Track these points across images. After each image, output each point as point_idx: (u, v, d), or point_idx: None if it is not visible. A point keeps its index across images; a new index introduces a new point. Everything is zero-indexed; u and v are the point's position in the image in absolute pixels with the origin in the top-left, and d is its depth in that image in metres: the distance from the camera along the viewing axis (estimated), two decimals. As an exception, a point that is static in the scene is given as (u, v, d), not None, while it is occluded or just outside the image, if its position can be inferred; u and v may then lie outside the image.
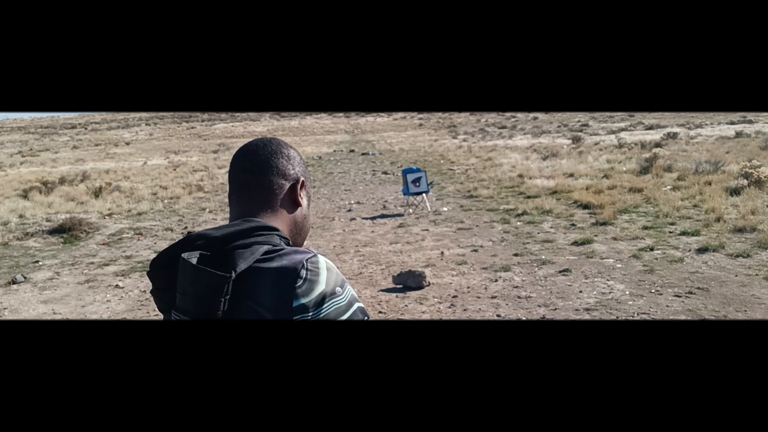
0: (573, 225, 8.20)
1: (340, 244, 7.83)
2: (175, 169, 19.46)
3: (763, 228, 7.05)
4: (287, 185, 1.09)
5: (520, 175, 13.44)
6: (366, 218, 9.77)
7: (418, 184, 10.09)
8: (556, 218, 8.73)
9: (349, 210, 10.67)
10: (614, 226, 7.90)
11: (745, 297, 4.96)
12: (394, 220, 9.43)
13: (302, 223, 1.12)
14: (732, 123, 28.55)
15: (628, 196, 10.01)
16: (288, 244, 1.03)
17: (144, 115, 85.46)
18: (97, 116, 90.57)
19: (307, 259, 0.95)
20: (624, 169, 13.64)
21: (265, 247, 0.96)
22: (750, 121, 28.56)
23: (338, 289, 0.95)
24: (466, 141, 27.15)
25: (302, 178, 1.11)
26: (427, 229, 8.54)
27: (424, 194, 10.26)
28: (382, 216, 9.91)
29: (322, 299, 0.93)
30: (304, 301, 0.92)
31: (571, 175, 13.08)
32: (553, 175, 12.97)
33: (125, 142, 41.45)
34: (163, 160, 24.49)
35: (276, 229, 1.02)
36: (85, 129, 62.39)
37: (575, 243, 7.15)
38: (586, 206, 9.43)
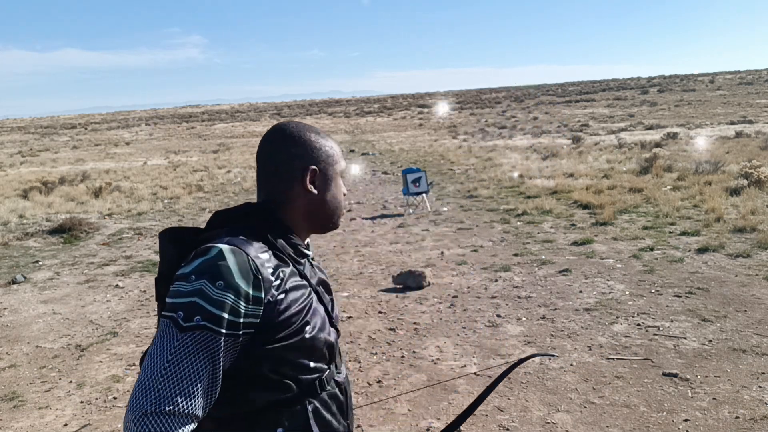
0: (573, 225, 8.20)
1: (340, 244, 7.82)
2: (175, 169, 19.41)
3: (763, 228, 7.05)
4: (298, 174, 1.15)
5: (520, 175, 13.42)
6: (366, 218, 9.77)
7: (418, 184, 10.09)
8: (556, 218, 8.72)
9: (349, 210, 10.66)
10: (614, 226, 7.90)
11: (745, 297, 4.96)
12: (394, 220, 9.42)
13: (317, 210, 1.18)
14: (732, 123, 28.51)
15: (628, 196, 10.01)
16: (276, 226, 1.12)
17: (144, 114, 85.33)
18: (97, 116, 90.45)
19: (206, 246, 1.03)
20: (624, 169, 13.63)
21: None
22: (750, 121, 28.53)
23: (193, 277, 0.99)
24: (466, 141, 27.12)
25: (312, 167, 1.16)
26: (427, 229, 8.54)
27: (424, 194, 10.26)
28: (382, 216, 9.90)
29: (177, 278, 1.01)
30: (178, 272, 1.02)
31: (571, 175, 13.07)
32: (553, 175, 12.97)
33: (125, 142, 41.38)
34: (163, 160, 24.44)
35: (270, 213, 1.12)
36: (85, 129, 62.31)
37: (575, 243, 7.14)
38: (586, 206, 9.43)
